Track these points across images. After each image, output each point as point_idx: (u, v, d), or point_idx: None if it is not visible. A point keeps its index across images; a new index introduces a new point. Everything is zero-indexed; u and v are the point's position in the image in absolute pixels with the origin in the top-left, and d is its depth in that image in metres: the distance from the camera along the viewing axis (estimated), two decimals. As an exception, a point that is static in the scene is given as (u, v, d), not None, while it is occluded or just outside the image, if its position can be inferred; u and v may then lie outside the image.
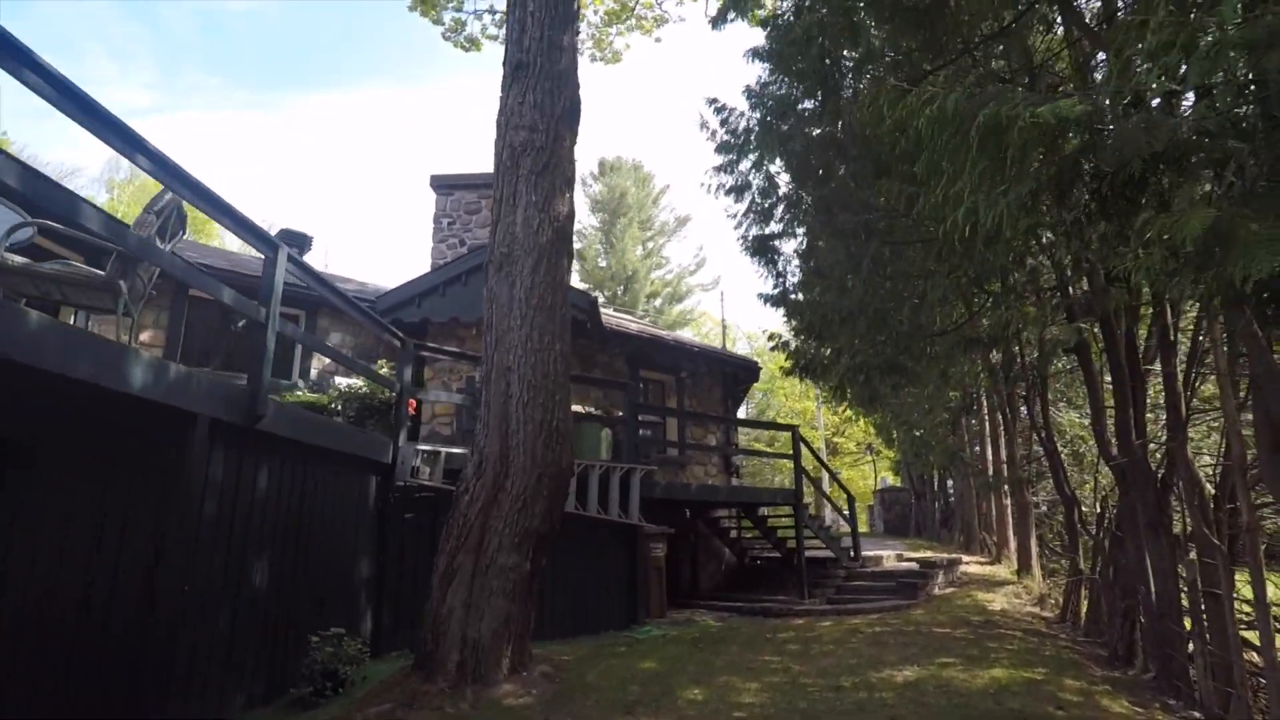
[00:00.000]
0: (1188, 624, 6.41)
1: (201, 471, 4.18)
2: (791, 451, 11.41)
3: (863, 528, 30.87)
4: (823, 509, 13.67)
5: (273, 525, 5.01)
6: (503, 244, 5.58)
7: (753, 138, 7.72)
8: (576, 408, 11.13)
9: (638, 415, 9.45)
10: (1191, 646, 6.00)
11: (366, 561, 6.53)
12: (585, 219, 47.70)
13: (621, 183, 46.77)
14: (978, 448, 14.64)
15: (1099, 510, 9.17)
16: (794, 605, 9.73)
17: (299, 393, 6.72)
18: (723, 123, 8.92)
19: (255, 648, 4.76)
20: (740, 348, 48.58)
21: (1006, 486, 12.13)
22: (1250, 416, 5.91)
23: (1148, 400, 6.97)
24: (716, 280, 59.17)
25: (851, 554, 11.96)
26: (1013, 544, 13.04)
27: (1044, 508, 14.63)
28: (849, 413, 23.07)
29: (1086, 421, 13.43)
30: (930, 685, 5.34)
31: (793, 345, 8.20)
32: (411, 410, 7.78)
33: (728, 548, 13.35)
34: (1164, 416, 7.39)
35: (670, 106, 72.30)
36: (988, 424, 13.06)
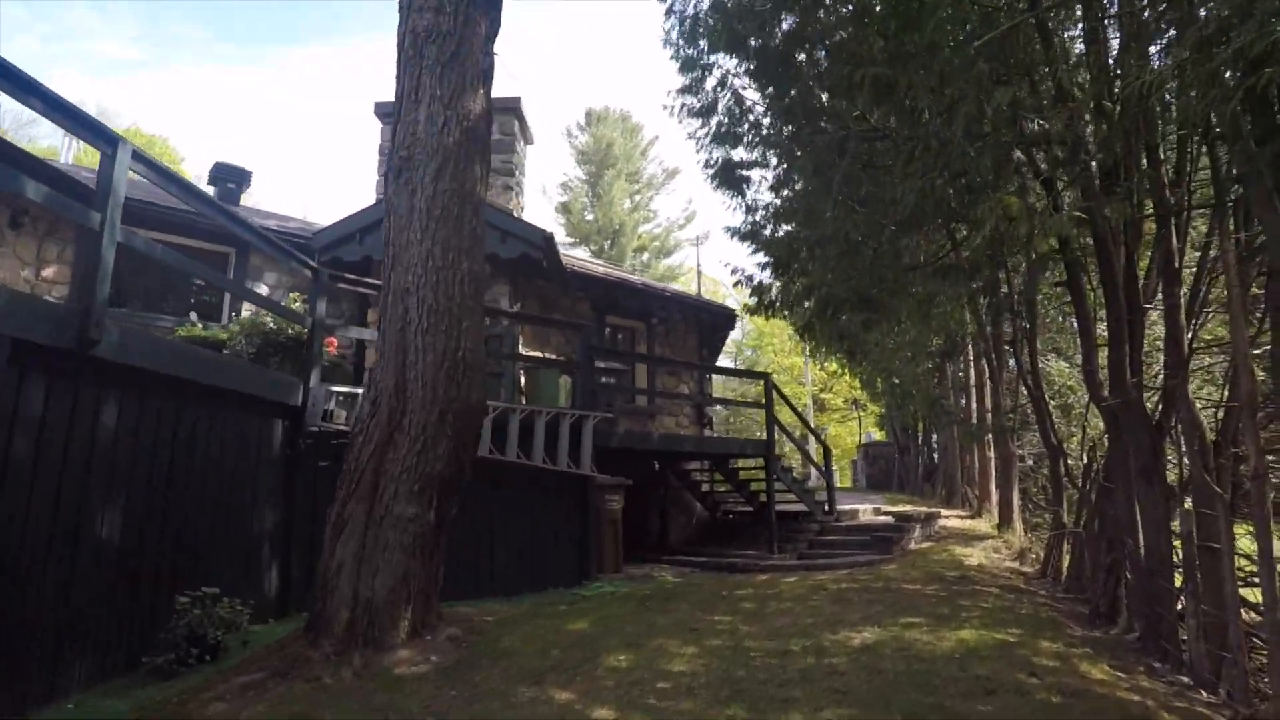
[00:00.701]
0: (1178, 581, 5.84)
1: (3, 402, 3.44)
2: (764, 401, 10.75)
3: (846, 483, 30.59)
4: (807, 466, 13.14)
5: (128, 470, 4.30)
6: (403, 146, 4.77)
7: (716, 38, 6.82)
8: (535, 353, 10.42)
9: (594, 359, 8.74)
10: (1182, 605, 5.42)
11: (271, 513, 5.86)
12: (572, 171, 46.39)
13: (608, 133, 45.31)
14: (963, 401, 14.02)
15: (1086, 461, 8.56)
16: (761, 560, 9.17)
17: (191, 326, 5.95)
18: (683, 34, 8.01)
19: (103, 611, 4.09)
20: (730, 305, 47.89)
21: (990, 437, 11.53)
22: (1259, 352, 5.22)
23: (1145, 338, 6.26)
24: (706, 235, 57.95)
25: (826, 508, 11.41)
26: (994, 497, 12.51)
27: (1029, 461, 14.11)
28: (835, 367, 22.48)
29: (1075, 370, 12.81)
30: (889, 649, 4.74)
31: (760, 281, 7.44)
32: (332, 349, 7.04)
33: (699, 501, 12.80)
34: (1162, 358, 6.71)
35: (658, 57, 70.03)
36: (973, 372, 12.39)
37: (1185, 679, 4.91)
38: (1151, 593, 5.63)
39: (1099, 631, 6.06)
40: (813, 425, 38.39)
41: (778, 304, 7.34)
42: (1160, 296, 5.86)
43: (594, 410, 8.38)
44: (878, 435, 26.17)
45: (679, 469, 12.35)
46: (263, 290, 9.68)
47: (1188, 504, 5.40)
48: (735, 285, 7.90)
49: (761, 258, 7.57)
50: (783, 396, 11.08)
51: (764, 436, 10.78)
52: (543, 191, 51.00)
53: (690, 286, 45.90)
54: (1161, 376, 6.28)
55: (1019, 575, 8.48)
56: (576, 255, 11.86)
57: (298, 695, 3.79)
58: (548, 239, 9.56)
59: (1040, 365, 9.73)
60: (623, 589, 7.55)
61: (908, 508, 12.81)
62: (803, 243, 6.56)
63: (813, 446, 16.85)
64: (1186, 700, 4.36)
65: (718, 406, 13.09)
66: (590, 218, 46.15)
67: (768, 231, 7.61)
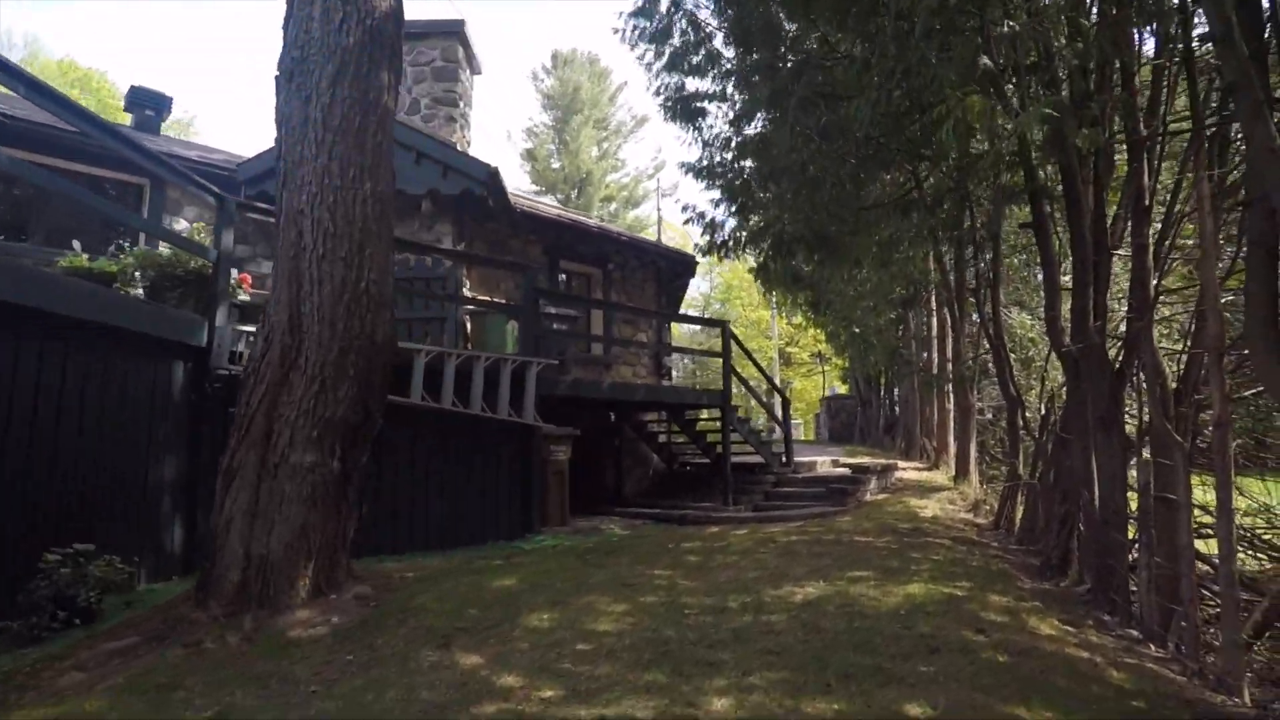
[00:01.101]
0: (1131, 534, 5.68)
1: None
2: (721, 350, 10.40)
3: (809, 436, 30.77)
4: (772, 422, 12.84)
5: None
6: (295, 46, 4.16)
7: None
8: (482, 296, 9.88)
9: (539, 303, 8.25)
10: (1134, 557, 5.26)
11: (174, 463, 5.36)
12: (538, 116, 44.93)
13: (575, 77, 43.76)
14: (925, 355, 13.85)
15: (1044, 413, 8.40)
16: (714, 513, 8.93)
17: (75, 257, 5.32)
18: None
19: (-51, 570, 3.61)
20: (696, 283, 47.25)
21: (949, 388, 11.37)
22: (1228, 299, 4.95)
23: (1110, 284, 5.97)
24: (675, 186, 56.97)
25: (784, 460, 11.21)
26: (952, 449, 12.45)
27: (988, 415, 14.09)
28: (800, 320, 22.22)
29: (1037, 322, 12.67)
30: (833, 605, 4.47)
31: (713, 218, 6.98)
32: (247, 286, 6.45)
33: (656, 453, 12.53)
34: (1125, 307, 6.45)
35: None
36: (934, 322, 12.17)
37: (1135, 632, 4.75)
38: (1104, 545, 5.45)
39: (1049, 584, 5.91)
40: (777, 378, 38.56)
41: (731, 243, 6.89)
42: (1129, 239, 5.55)
43: (539, 357, 7.93)
44: (841, 389, 26.20)
45: (635, 420, 12.03)
46: (180, 227, 8.95)
47: (1146, 455, 5.19)
48: (686, 223, 7.43)
49: (716, 194, 7.10)
50: (741, 347, 10.75)
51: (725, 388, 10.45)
52: (507, 137, 49.46)
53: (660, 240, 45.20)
54: (1125, 324, 6.02)
55: (972, 527, 8.36)
56: (527, 195, 11.21)
57: (170, 663, 3.37)
58: (492, 174, 8.95)
59: (1002, 317, 9.49)
60: (566, 542, 7.24)
61: (866, 460, 12.70)
62: (758, 176, 6.09)
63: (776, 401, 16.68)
64: (1136, 655, 4.18)
65: (676, 356, 12.69)
66: (556, 165, 44.90)
67: (723, 167, 7.11)
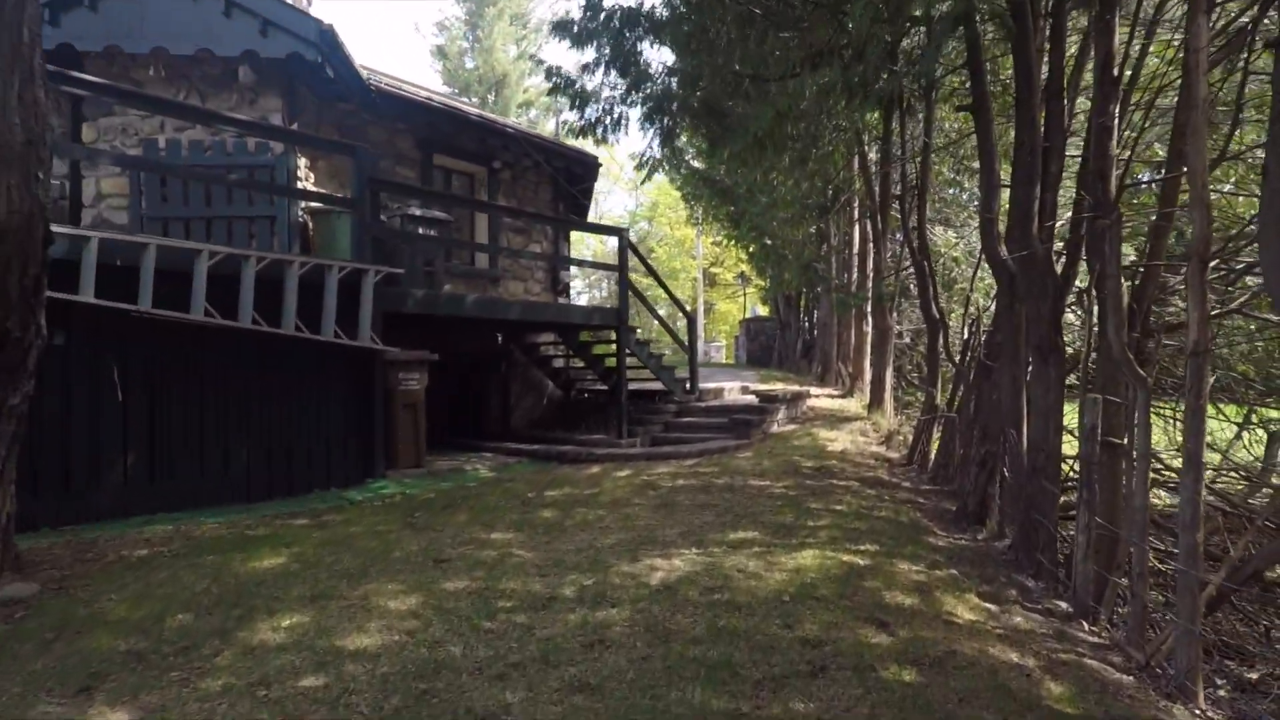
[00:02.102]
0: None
1: None
2: (617, 262, 9.06)
3: (729, 359, 30.19)
4: (675, 341, 11.57)
5: None
6: None
7: None
8: (335, 194, 8.14)
9: (378, 195, 6.65)
10: (1071, 514, 4.40)
11: None
12: (449, 9, 41.01)
13: (489, -39, 39.78)
14: (846, 274, 12.89)
15: (966, 335, 7.52)
16: (599, 449, 7.82)
17: None
18: None
19: None
20: (618, 198, 44.83)
21: (868, 309, 10.44)
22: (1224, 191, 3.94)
23: (1062, 174, 4.90)
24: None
25: (688, 386, 10.16)
26: (868, 375, 11.69)
27: (906, 339, 13.41)
28: (723, 237, 21.00)
29: (962, 241, 11.84)
30: (698, 589, 3.40)
31: (581, 85, 5.50)
32: None
33: (551, 380, 11.29)
34: (1069, 214, 5.43)
35: (557, -121, 61.76)
36: (855, 236, 11.14)
37: (1064, 605, 3.90)
38: (1031, 495, 4.58)
39: (966, 537, 5.05)
40: (701, 299, 37.61)
41: (608, 121, 5.47)
42: (1089, 115, 4.44)
43: (383, 265, 6.42)
44: (764, 311, 25.42)
45: (526, 343, 10.70)
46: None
47: (1094, 394, 4.25)
48: (552, 92, 5.92)
49: (590, 54, 5.59)
50: (640, 258, 9.44)
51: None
52: (415, 29, 45.14)
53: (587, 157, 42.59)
54: (1070, 229, 5.00)
55: (884, 464, 7.54)
56: (381, 73, 9.26)
57: None
58: (325, 33, 7.11)
59: (927, 232, 8.48)
60: (408, 490, 5.98)
61: (778, 386, 11.82)
62: (639, 30, 4.66)
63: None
64: (1070, 643, 3.28)
65: (585, 277, 11.23)
66: (471, 65, 41.38)
67: (600, 25, 5.59)
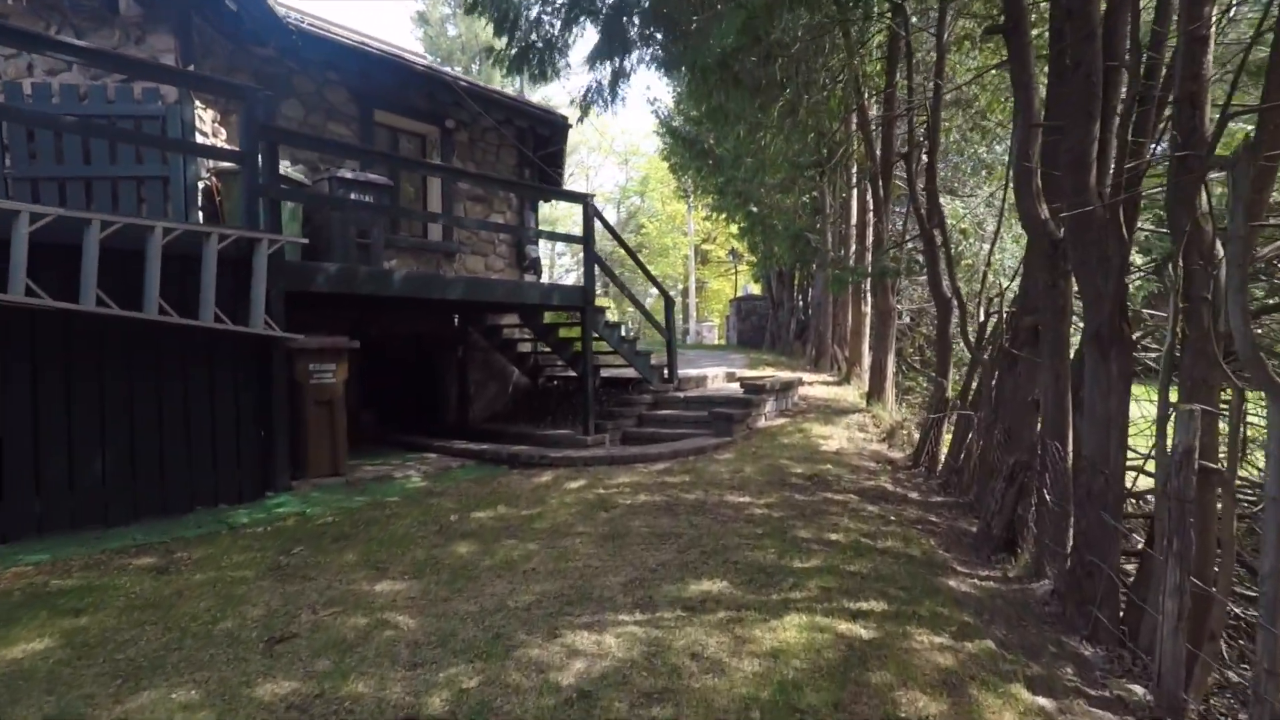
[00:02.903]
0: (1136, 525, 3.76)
1: None
2: (582, 234, 7.90)
3: (721, 340, 29.04)
4: (649, 321, 10.27)
5: None
6: None
7: None
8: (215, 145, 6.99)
9: (275, 148, 5.46)
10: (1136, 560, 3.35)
11: None
12: (430, -29, 39.16)
13: (472, -76, 37.92)
14: (843, 249, 11.74)
15: (982, 319, 6.43)
16: (551, 452, 6.73)
17: None
18: None
19: None
20: (609, 173, 43.15)
21: (868, 286, 9.33)
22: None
23: (1135, 106, 3.77)
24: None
25: (666, 374, 9.07)
26: (866, 360, 10.62)
27: (906, 319, 12.30)
28: (712, 211, 19.79)
29: (972, 213, 10.71)
30: (630, 696, 2.34)
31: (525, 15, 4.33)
32: None
33: (516, 366, 10.19)
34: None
35: None
36: (854, 204, 9.98)
37: (1140, 691, 2.86)
38: (1084, 530, 3.51)
39: (994, 574, 4.00)
40: (693, 277, 36.38)
41: (542, 48, 4.31)
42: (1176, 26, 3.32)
43: (265, 232, 5.28)
44: (755, 289, 24.28)
45: (487, 325, 9.58)
46: None
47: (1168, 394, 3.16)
48: (470, 10, 4.74)
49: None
50: (609, 227, 8.26)
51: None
52: (395, -6, 43.32)
53: (578, 133, 41.10)
54: (1125, 181, 3.88)
55: (886, 466, 6.48)
56: (319, 16, 7.97)
57: None
58: (219, -46, 5.90)
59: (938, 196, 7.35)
60: (311, 508, 4.90)
61: (768, 373, 10.74)
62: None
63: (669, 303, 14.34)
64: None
65: (559, 247, 10.04)
66: (454, 32, 39.79)
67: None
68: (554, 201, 13.08)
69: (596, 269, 8.35)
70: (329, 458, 5.79)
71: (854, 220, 10.57)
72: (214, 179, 6.81)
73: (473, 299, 6.89)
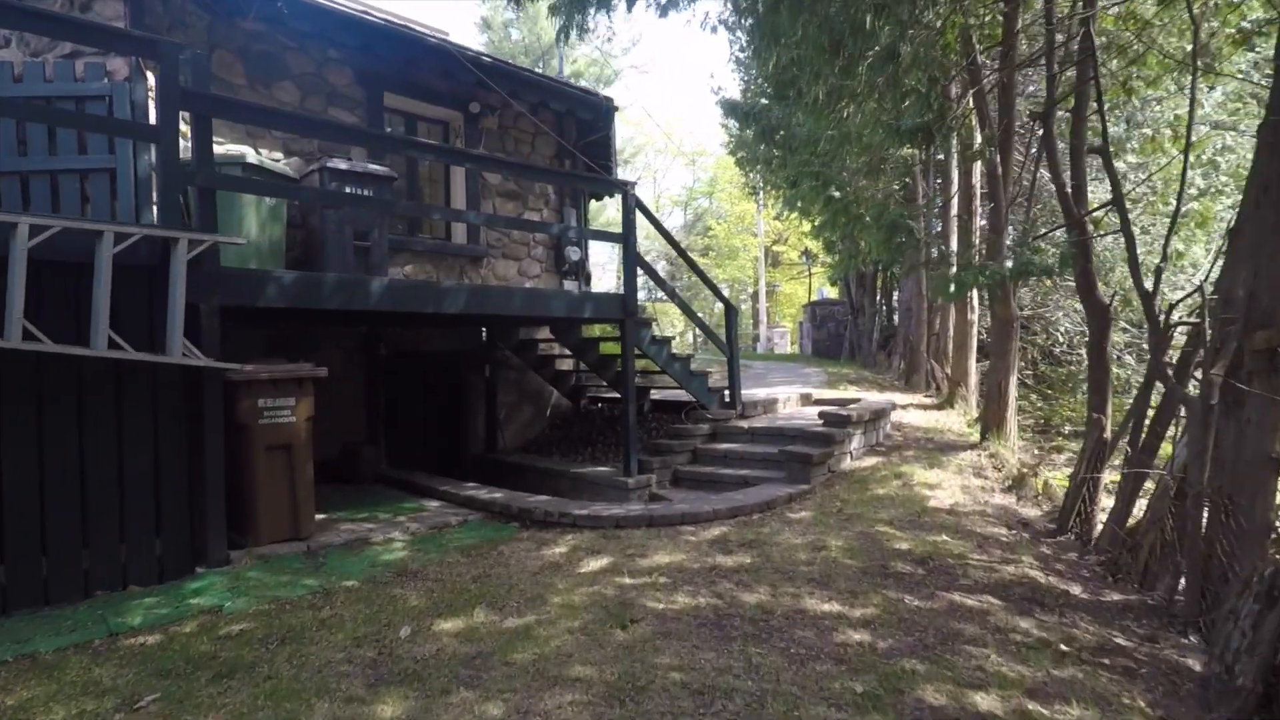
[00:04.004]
0: None
1: None
2: (621, 230, 6.45)
3: (792, 348, 27.03)
4: (703, 331, 8.56)
5: None
6: None
7: None
8: (239, 146, 5.91)
9: (208, 122, 4.22)
10: None
11: None
12: (493, -24, 38.88)
13: (533, -76, 37.34)
14: (943, 243, 9.83)
15: (1164, 324, 4.61)
16: (574, 509, 5.27)
17: None
18: None
19: None
20: (677, 176, 41.55)
21: (976, 290, 7.53)
22: None
23: None
24: (653, 62, 51.03)
25: (726, 396, 7.53)
26: (973, 379, 8.77)
27: (1038, 332, 10.25)
28: (779, 202, 18.05)
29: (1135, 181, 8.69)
30: None
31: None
32: None
33: (554, 386, 8.85)
34: None
35: None
36: (955, 184, 8.08)
37: None
38: None
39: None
40: (763, 281, 34.47)
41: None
42: None
43: (183, 230, 4.05)
44: (832, 292, 22.33)
45: (518, 340, 8.28)
46: None
47: None
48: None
49: None
50: (653, 221, 6.77)
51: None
52: None
53: (637, 129, 39.87)
54: None
55: (1022, 534, 4.76)
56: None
57: None
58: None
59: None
60: (232, 602, 3.63)
61: (852, 393, 9.04)
62: None
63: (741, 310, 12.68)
64: None
65: (580, 247, 8.76)
66: (516, 36, 39.28)
67: None
68: (604, 199, 11.70)
69: (641, 273, 6.90)
70: (287, 517, 4.53)
71: (954, 210, 8.73)
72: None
73: (480, 311, 5.54)
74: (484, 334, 8.29)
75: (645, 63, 56.32)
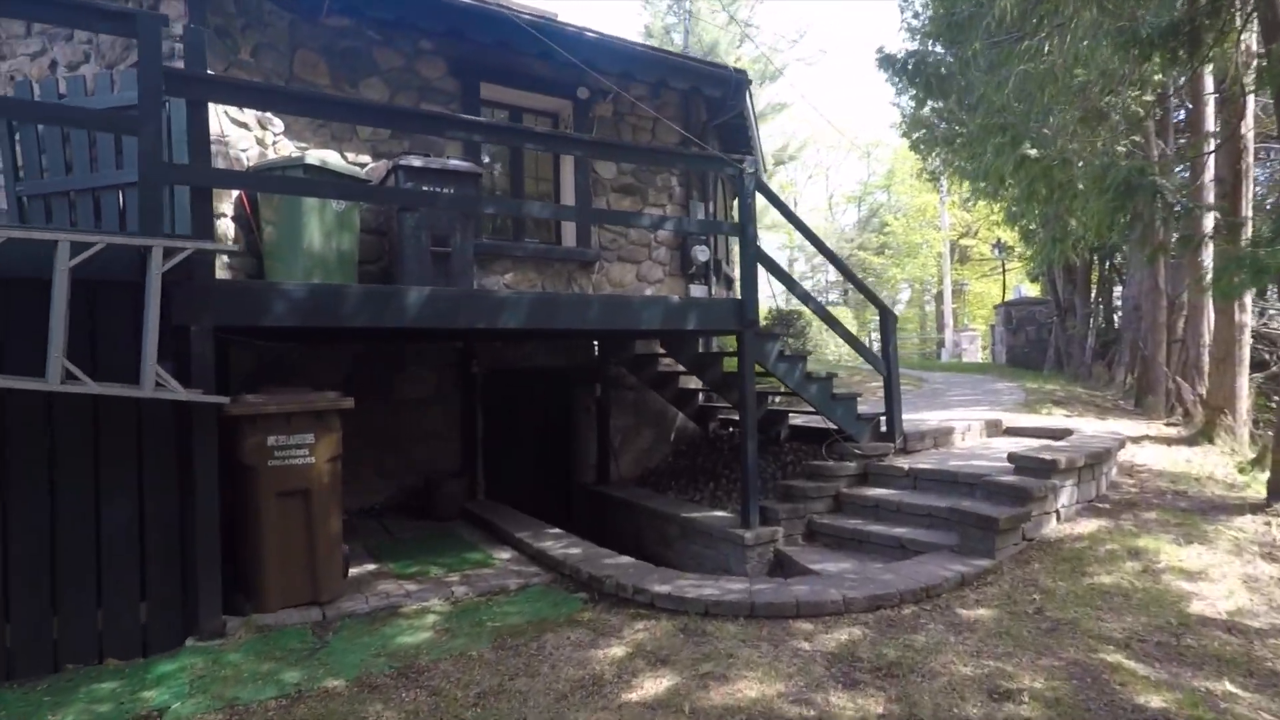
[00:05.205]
0: None
1: None
2: (738, 220, 5.14)
3: (983, 356, 23.61)
4: (853, 347, 6.94)
5: None
6: None
7: None
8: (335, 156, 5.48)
9: (204, 107, 3.50)
10: None
11: None
12: (655, -16, 38.75)
13: (694, -77, 36.75)
14: (1217, 215, 7.30)
15: None
16: (651, 584, 4.06)
17: None
18: None
19: None
20: (851, 170, 38.38)
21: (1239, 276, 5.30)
22: None
23: None
24: (822, 53, 48.52)
25: (883, 425, 5.92)
26: (1244, 402, 6.38)
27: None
28: (980, 204, 15.54)
29: None
30: None
31: None
32: None
33: (678, 408, 7.69)
34: None
35: None
36: (1207, 127, 5.73)
37: None
38: None
39: None
40: (948, 279, 30.79)
41: None
42: None
43: (181, 238, 3.36)
44: (1031, 290, 19.17)
45: (633, 355, 7.22)
46: None
47: None
48: None
49: None
50: (778, 205, 5.35)
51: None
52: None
53: (795, 123, 37.72)
54: None
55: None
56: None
57: None
58: None
59: None
60: (191, 700, 2.84)
61: (1060, 417, 7.01)
62: None
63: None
64: None
65: (709, 245, 7.50)
66: (678, 39, 38.79)
67: None
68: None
69: (767, 276, 5.54)
70: (303, 577, 3.76)
71: (1209, 172, 6.40)
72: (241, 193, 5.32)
73: (547, 326, 4.49)
74: (596, 348, 7.33)
75: (812, 55, 53.63)
